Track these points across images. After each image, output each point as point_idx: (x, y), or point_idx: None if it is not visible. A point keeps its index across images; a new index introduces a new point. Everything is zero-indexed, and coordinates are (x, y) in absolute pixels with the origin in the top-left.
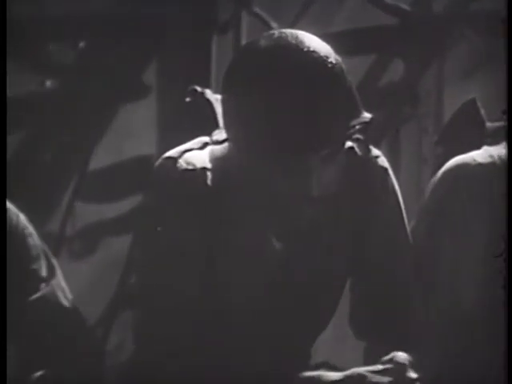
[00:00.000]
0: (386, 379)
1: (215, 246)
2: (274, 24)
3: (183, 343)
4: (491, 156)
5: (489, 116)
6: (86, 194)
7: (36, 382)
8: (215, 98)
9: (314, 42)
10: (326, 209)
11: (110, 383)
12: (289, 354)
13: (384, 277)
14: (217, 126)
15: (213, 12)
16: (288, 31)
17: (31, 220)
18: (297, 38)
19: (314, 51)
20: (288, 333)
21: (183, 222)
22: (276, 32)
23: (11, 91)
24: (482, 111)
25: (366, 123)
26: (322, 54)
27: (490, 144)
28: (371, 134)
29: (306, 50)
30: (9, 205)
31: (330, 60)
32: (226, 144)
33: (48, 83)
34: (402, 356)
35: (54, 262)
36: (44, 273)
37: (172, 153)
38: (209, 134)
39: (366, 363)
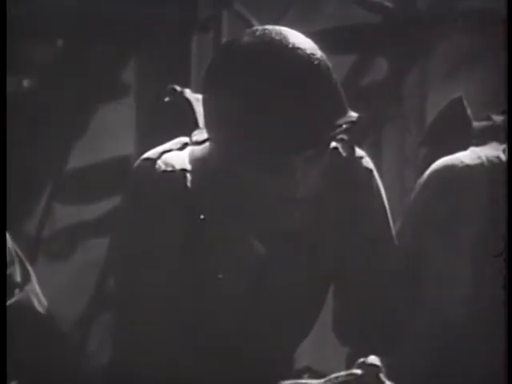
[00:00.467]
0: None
1: (195, 250)
2: (255, 22)
3: (162, 346)
4: (479, 157)
5: (473, 116)
6: (63, 195)
7: None
8: (195, 98)
9: (298, 38)
10: (310, 211)
11: None
12: (271, 360)
13: (368, 281)
14: (197, 126)
15: (193, 10)
16: (271, 27)
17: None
18: (281, 34)
19: (298, 48)
20: (270, 338)
21: (162, 226)
22: (259, 28)
23: None
24: (469, 110)
25: (352, 122)
26: (307, 51)
27: (477, 145)
28: (355, 134)
29: (290, 46)
30: None
31: (315, 57)
32: (206, 144)
33: (25, 82)
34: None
35: (29, 267)
36: (18, 278)
37: (150, 154)
38: (188, 134)
39: (349, 369)
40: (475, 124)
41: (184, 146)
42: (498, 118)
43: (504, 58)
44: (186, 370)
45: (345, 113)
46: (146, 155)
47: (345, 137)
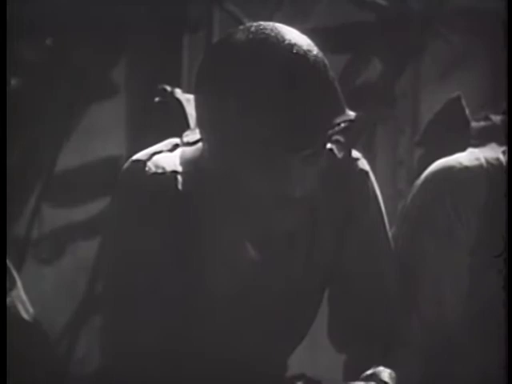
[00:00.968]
0: None
1: (186, 254)
2: (246, 21)
3: (152, 352)
4: (477, 159)
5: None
6: (52, 197)
7: None
8: (186, 98)
9: (293, 34)
10: (305, 214)
11: None
12: (265, 366)
13: (364, 286)
14: (187, 127)
15: (183, 8)
16: (265, 24)
17: None
18: (276, 30)
19: (294, 44)
20: (264, 344)
21: (152, 230)
22: (253, 25)
23: None
24: (467, 110)
25: (350, 121)
26: (303, 48)
27: (476, 146)
28: (351, 135)
29: (286, 42)
30: None
31: (312, 54)
32: (198, 146)
33: (13, 82)
34: (384, 372)
35: (15, 273)
36: None
37: (140, 155)
38: (179, 135)
39: (346, 377)
40: (474, 124)
41: (175, 147)
42: (497, 119)
43: (504, 58)
44: (176, 376)
45: (342, 111)
46: (136, 157)
47: (340, 138)
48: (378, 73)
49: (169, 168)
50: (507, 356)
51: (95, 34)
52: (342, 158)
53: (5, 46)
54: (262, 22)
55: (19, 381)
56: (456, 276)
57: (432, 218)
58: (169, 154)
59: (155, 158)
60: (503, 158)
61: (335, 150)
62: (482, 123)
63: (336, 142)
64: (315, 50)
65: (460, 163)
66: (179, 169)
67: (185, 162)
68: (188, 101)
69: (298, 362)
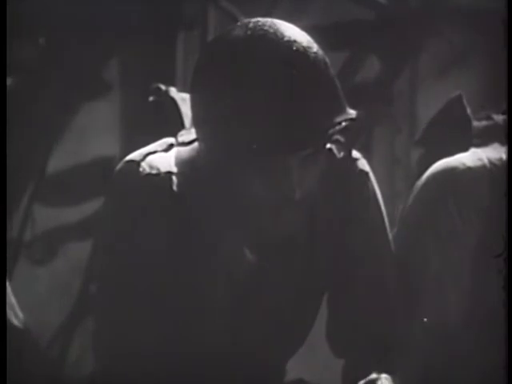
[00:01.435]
0: None
1: (182, 258)
2: (242, 18)
3: (147, 356)
4: (480, 159)
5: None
6: (45, 198)
7: None
8: (180, 97)
9: (293, 30)
10: (304, 216)
11: None
12: (263, 371)
13: (364, 289)
14: (182, 127)
15: (178, 6)
16: (264, 20)
17: None
18: (274, 26)
19: (294, 41)
20: (262, 349)
21: (146, 232)
22: (251, 21)
23: None
24: (469, 109)
25: (351, 120)
26: (303, 45)
27: (478, 145)
28: (351, 134)
29: (286, 39)
30: None
31: (312, 51)
32: (193, 145)
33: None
34: (385, 380)
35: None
36: None
37: (134, 156)
38: (174, 134)
39: (345, 382)
40: (475, 124)
41: (170, 147)
42: (499, 118)
43: (504, 58)
44: (173, 381)
45: (343, 110)
46: (130, 157)
47: (340, 138)
48: (376, 71)
49: (163, 169)
50: (507, 356)
51: (88, 33)
52: (341, 158)
53: (5, 45)
54: (260, 18)
55: None
56: (458, 278)
57: (434, 219)
58: (163, 154)
59: (149, 158)
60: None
61: (334, 150)
62: (484, 123)
63: (335, 141)
64: (315, 47)
65: (463, 164)
66: (174, 169)
67: (180, 163)
68: (183, 100)
69: (296, 366)
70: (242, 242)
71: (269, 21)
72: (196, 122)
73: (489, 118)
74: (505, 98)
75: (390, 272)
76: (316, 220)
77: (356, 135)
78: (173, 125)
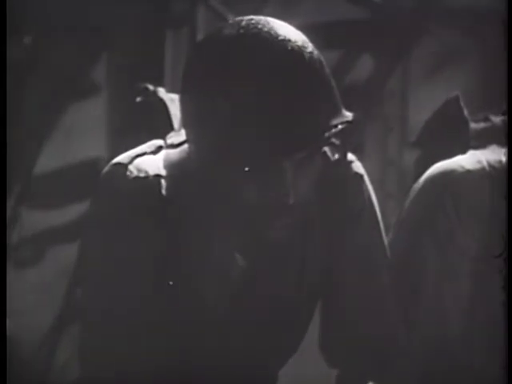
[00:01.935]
0: None
1: (170, 263)
2: (231, 17)
3: (135, 361)
4: (479, 161)
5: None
6: (31, 200)
7: None
8: (169, 98)
9: (287, 29)
10: (297, 221)
11: None
12: (254, 379)
13: (359, 296)
14: (171, 128)
15: (166, 4)
16: (257, 18)
17: None
18: (268, 25)
19: (289, 40)
20: (254, 356)
21: (134, 237)
22: (243, 19)
23: None
24: (466, 111)
25: (348, 122)
26: (298, 44)
27: (476, 147)
28: (346, 136)
29: (280, 38)
30: None
31: (307, 50)
32: (183, 147)
33: None
34: None
35: None
36: None
37: (121, 158)
38: (163, 136)
39: None
40: (473, 125)
41: (158, 149)
42: (497, 119)
43: (504, 58)
44: None
45: (339, 112)
46: (117, 160)
47: (335, 140)
48: (368, 71)
49: (152, 172)
50: (507, 356)
51: (75, 32)
52: (335, 160)
53: (5, 45)
54: (253, 16)
55: None
56: (457, 282)
57: (432, 224)
58: (152, 156)
59: (137, 160)
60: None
61: (328, 153)
62: (482, 124)
63: (330, 144)
64: (310, 47)
65: (461, 166)
66: (163, 172)
67: (169, 166)
68: (172, 100)
69: (288, 374)
70: (233, 246)
71: (262, 19)
72: (186, 124)
73: (486, 119)
74: (505, 98)
75: (385, 279)
76: (310, 224)
77: (349, 137)
78: (161, 126)
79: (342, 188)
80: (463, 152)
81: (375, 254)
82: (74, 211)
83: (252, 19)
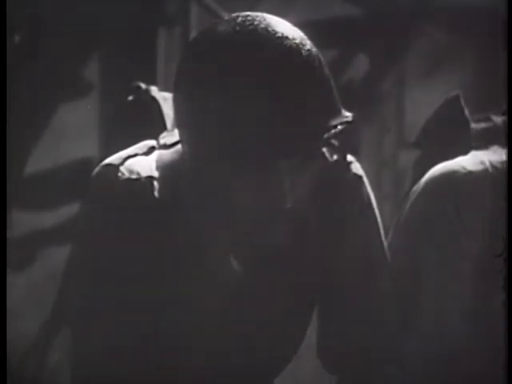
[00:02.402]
0: None
1: (163, 266)
2: (225, 15)
3: (127, 366)
4: (482, 162)
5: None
6: (22, 201)
7: None
8: (162, 97)
9: (285, 26)
10: (294, 226)
11: None
12: None
13: (358, 301)
14: (164, 128)
15: (159, 2)
16: (253, 14)
17: None
18: (265, 21)
19: (286, 37)
20: (250, 363)
21: (126, 241)
22: (239, 15)
23: None
24: (466, 110)
25: (348, 123)
26: (296, 41)
27: (478, 148)
28: (345, 137)
29: (278, 35)
30: None
31: (306, 48)
32: (176, 148)
33: None
34: None
35: None
36: None
37: (112, 159)
38: (155, 136)
39: None
40: (473, 125)
41: (151, 150)
42: (498, 120)
43: (504, 58)
44: None
45: (339, 112)
46: (108, 161)
47: (334, 141)
48: (363, 71)
49: (144, 173)
50: (507, 356)
51: (67, 30)
52: (334, 162)
53: (5, 44)
54: (249, 13)
55: None
56: (458, 286)
57: (434, 227)
58: (144, 157)
59: (129, 162)
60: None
61: (326, 154)
62: (483, 124)
63: (328, 144)
64: (309, 44)
65: (464, 167)
66: (155, 174)
67: (162, 167)
68: (165, 99)
69: (285, 382)
70: (227, 252)
71: (259, 15)
72: (179, 124)
73: (487, 119)
74: (505, 98)
75: (385, 283)
76: (307, 228)
77: (348, 137)
78: (154, 126)
79: (341, 190)
80: (464, 153)
81: (375, 256)
82: (65, 212)
83: (248, 15)
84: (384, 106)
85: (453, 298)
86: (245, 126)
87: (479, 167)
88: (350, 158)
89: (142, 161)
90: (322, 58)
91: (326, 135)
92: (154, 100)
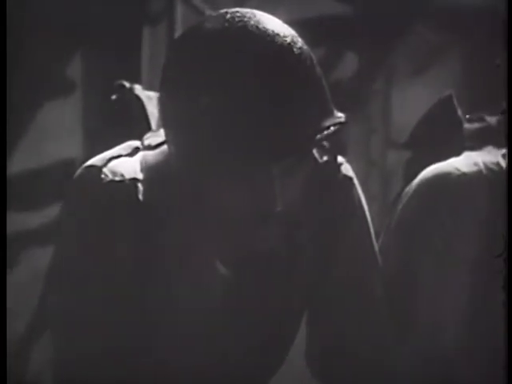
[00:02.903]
0: None
1: (148, 271)
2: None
3: (111, 374)
4: (476, 164)
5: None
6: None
7: None
8: (146, 96)
9: (275, 23)
10: (284, 230)
11: None
12: None
13: (348, 307)
14: (149, 128)
15: (144, 1)
16: (243, 10)
17: None
18: (255, 18)
19: (277, 34)
20: (239, 370)
21: (109, 244)
22: (228, 12)
23: None
24: (459, 110)
25: (341, 124)
26: (287, 39)
27: (472, 149)
28: (336, 138)
29: (268, 33)
30: None
31: (297, 46)
32: (161, 149)
33: None
34: None
35: None
36: None
37: (95, 160)
38: (140, 137)
39: None
40: (466, 126)
41: (135, 151)
42: (492, 120)
43: (504, 58)
44: None
45: (331, 113)
46: (90, 162)
47: (325, 142)
48: (351, 70)
49: (128, 175)
50: (507, 356)
51: (49, 28)
52: (324, 163)
53: (5, 44)
54: (238, 9)
55: None
56: (452, 290)
57: (427, 231)
58: (128, 158)
59: (112, 163)
60: (504, 163)
61: (316, 155)
62: (477, 125)
63: (318, 145)
64: (300, 42)
65: (457, 169)
66: (140, 176)
67: (146, 168)
68: (149, 98)
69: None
70: (214, 256)
71: (249, 12)
72: (165, 124)
73: (481, 119)
74: (505, 98)
75: (377, 285)
76: (297, 234)
77: (337, 138)
78: (138, 126)
79: (332, 191)
80: (457, 154)
81: (366, 260)
82: (49, 213)
83: (237, 12)
84: (372, 105)
85: (448, 299)
86: (234, 126)
87: (473, 168)
88: (340, 159)
89: (125, 162)
90: (314, 57)
91: (318, 136)
92: (138, 99)
